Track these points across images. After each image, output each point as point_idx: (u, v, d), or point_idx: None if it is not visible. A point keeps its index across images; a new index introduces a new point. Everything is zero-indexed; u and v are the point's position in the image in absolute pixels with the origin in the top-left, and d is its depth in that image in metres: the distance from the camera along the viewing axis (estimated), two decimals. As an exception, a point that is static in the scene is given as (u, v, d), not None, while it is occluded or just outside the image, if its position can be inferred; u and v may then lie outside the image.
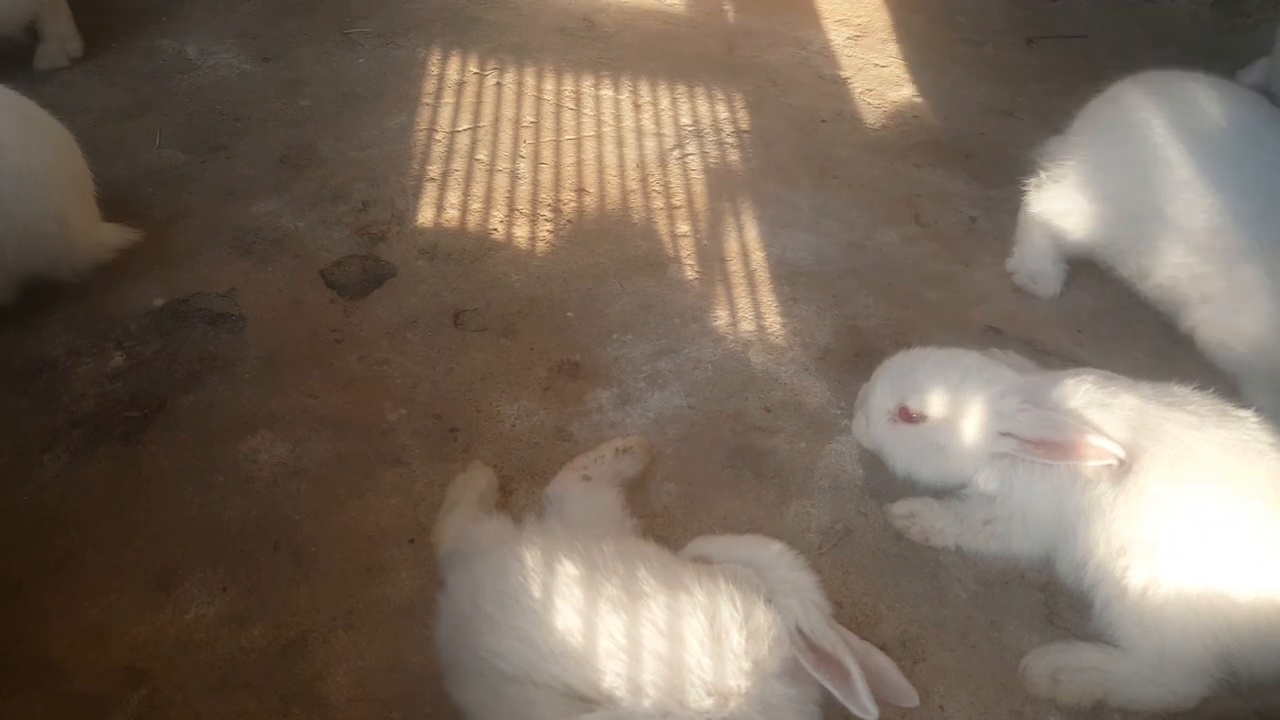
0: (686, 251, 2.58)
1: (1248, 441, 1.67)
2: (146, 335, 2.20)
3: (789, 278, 2.51)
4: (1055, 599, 1.83)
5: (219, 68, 3.12)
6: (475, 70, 3.19)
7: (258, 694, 1.60)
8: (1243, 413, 1.73)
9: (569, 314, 2.36)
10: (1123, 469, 1.67)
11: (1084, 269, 2.63)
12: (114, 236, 2.36)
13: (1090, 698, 1.66)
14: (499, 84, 3.15)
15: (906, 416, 1.87)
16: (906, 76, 3.41)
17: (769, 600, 1.48)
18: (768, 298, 2.46)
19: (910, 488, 1.95)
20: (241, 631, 1.69)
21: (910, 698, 1.53)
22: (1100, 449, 1.67)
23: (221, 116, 2.90)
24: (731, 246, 2.61)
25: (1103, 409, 1.73)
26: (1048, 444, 1.72)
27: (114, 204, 2.53)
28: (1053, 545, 1.80)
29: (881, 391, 1.91)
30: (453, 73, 3.17)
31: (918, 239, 2.68)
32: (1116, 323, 2.46)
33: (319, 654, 1.66)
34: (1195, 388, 1.78)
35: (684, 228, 2.66)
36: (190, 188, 2.63)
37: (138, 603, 1.71)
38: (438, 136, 2.89)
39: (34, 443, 1.96)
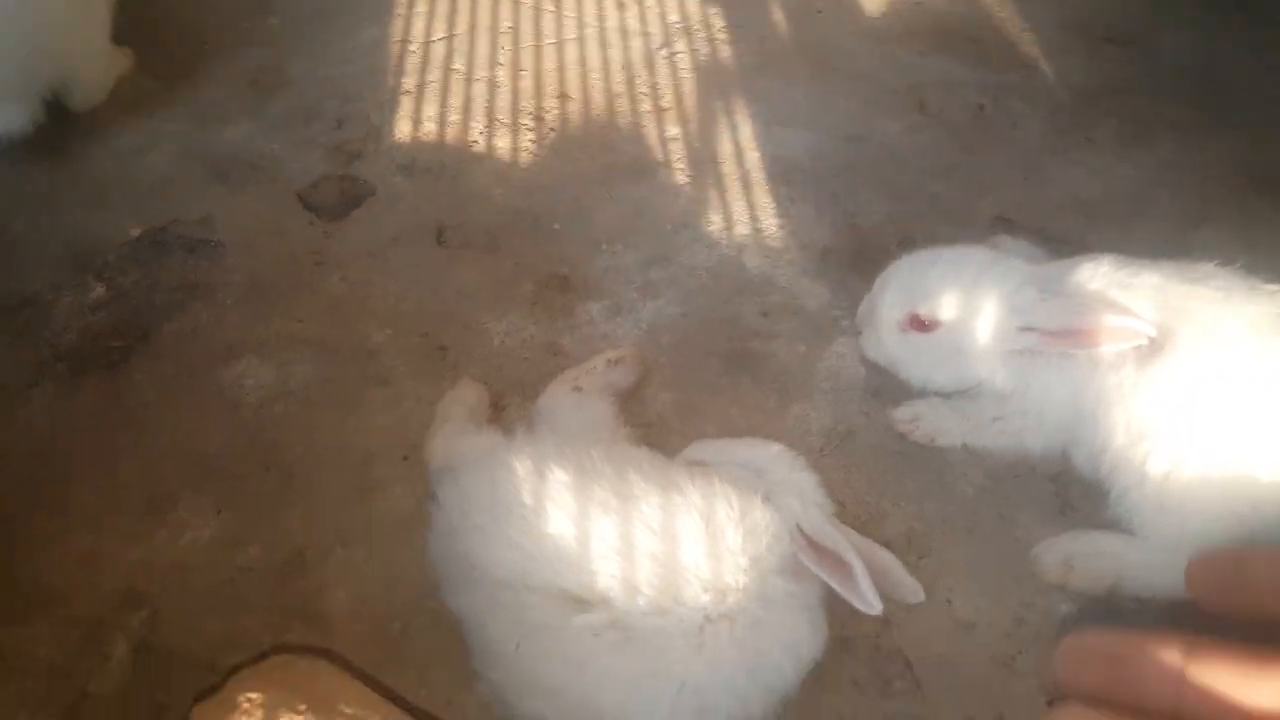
0: (677, 155, 2.47)
1: (1277, 316, 1.59)
2: (125, 265, 2.14)
3: (785, 176, 2.41)
4: (1067, 489, 1.77)
5: (184, -12, 2.98)
6: (450, -24, 3.04)
7: (257, 610, 1.59)
8: (1272, 287, 1.64)
9: (555, 226, 2.28)
10: (1150, 350, 1.59)
11: (1094, 151, 2.51)
12: (123, 60, 2.54)
13: (1103, 584, 1.62)
14: (475, -11, 3.00)
15: (919, 325, 1.77)
16: (907, -40, 3.22)
17: (767, 499, 1.45)
18: (763, 199, 2.36)
19: (911, 389, 1.88)
20: (238, 552, 1.67)
21: (915, 593, 1.48)
22: (1129, 329, 1.58)
23: (188, 39, 2.77)
24: (724, 147, 2.50)
25: (1125, 290, 1.64)
26: (1072, 332, 1.63)
27: (81, 135, 2.46)
28: (1069, 436, 1.74)
29: (889, 302, 1.81)
30: (427, -20, 3.02)
31: (922, 129, 2.55)
32: (1132, 205, 2.35)
33: (317, 571, 1.65)
34: (1216, 264, 1.69)
35: (674, 130, 2.54)
36: (160, 114, 2.53)
37: (132, 529, 1.70)
38: (412, 48, 2.76)
39: (19, 378, 1.93)
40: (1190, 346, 1.58)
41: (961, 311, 1.74)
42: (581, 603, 1.34)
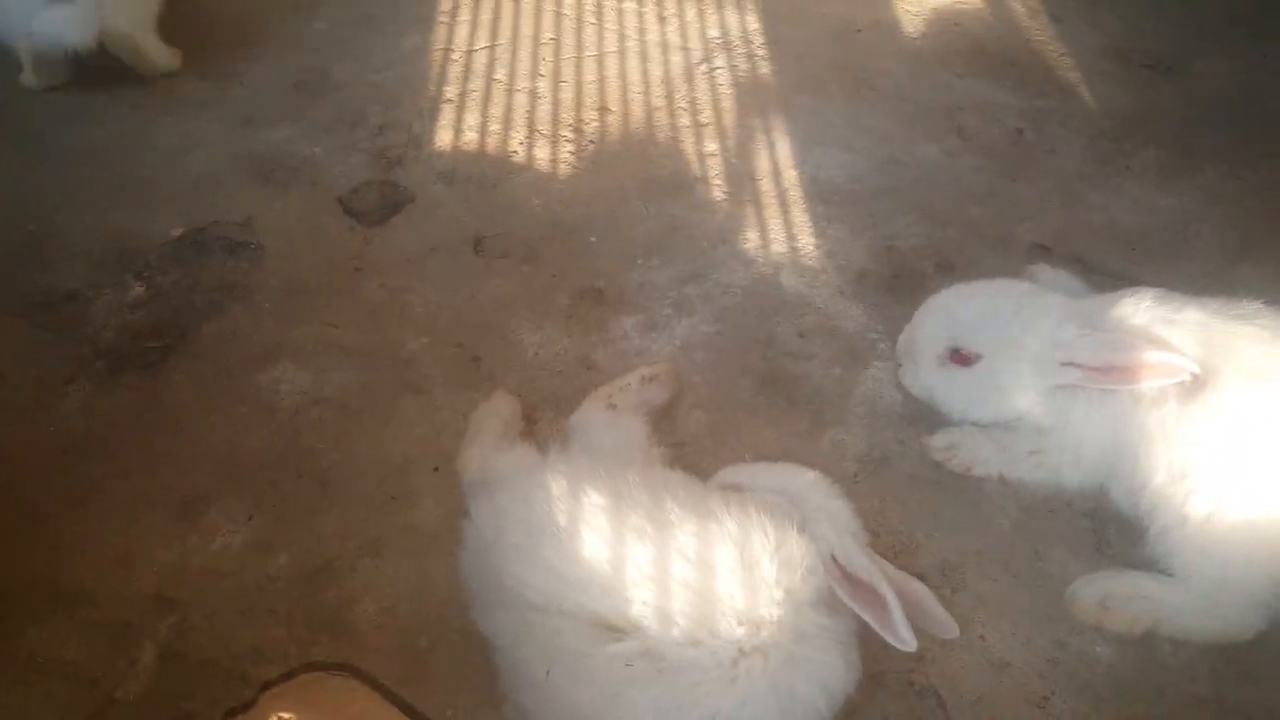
0: (714, 171, 2.47)
1: None
2: (166, 265, 2.16)
3: (822, 196, 2.40)
4: (1103, 526, 1.75)
5: (231, -9, 3.02)
6: (493, -15, 3.05)
7: (285, 621, 1.60)
8: None
9: (592, 238, 2.28)
10: (1192, 388, 1.57)
11: (1134, 180, 2.48)
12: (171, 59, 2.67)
13: (1140, 626, 1.59)
14: (517, -1, 3.02)
15: (959, 359, 1.76)
16: (948, -19, 3.20)
17: (802, 529, 1.42)
18: (800, 218, 2.35)
19: (949, 419, 1.86)
20: (268, 559, 1.68)
21: (949, 628, 1.46)
22: (1171, 366, 1.56)
23: (236, 42, 2.80)
24: (762, 165, 2.49)
25: (1167, 326, 1.62)
26: (1113, 368, 1.61)
27: (129, 135, 2.49)
28: (1107, 472, 1.72)
29: (929, 335, 1.80)
30: (470, -12, 3.03)
31: (960, 153, 2.54)
32: (1174, 237, 2.32)
33: (346, 581, 1.65)
34: (1261, 303, 1.66)
35: (711, 146, 2.54)
36: (206, 115, 2.56)
37: (164, 531, 1.71)
38: (454, 56, 2.78)
39: (58, 374, 1.95)
40: (1234, 385, 1.55)
41: (1001, 346, 1.72)
42: (614, 630, 1.33)
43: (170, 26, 2.67)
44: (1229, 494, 1.54)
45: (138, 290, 2.10)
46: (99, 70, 2.59)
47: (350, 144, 2.48)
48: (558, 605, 1.35)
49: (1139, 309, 1.67)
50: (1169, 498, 1.59)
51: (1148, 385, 1.60)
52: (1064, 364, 1.67)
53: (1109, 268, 2.21)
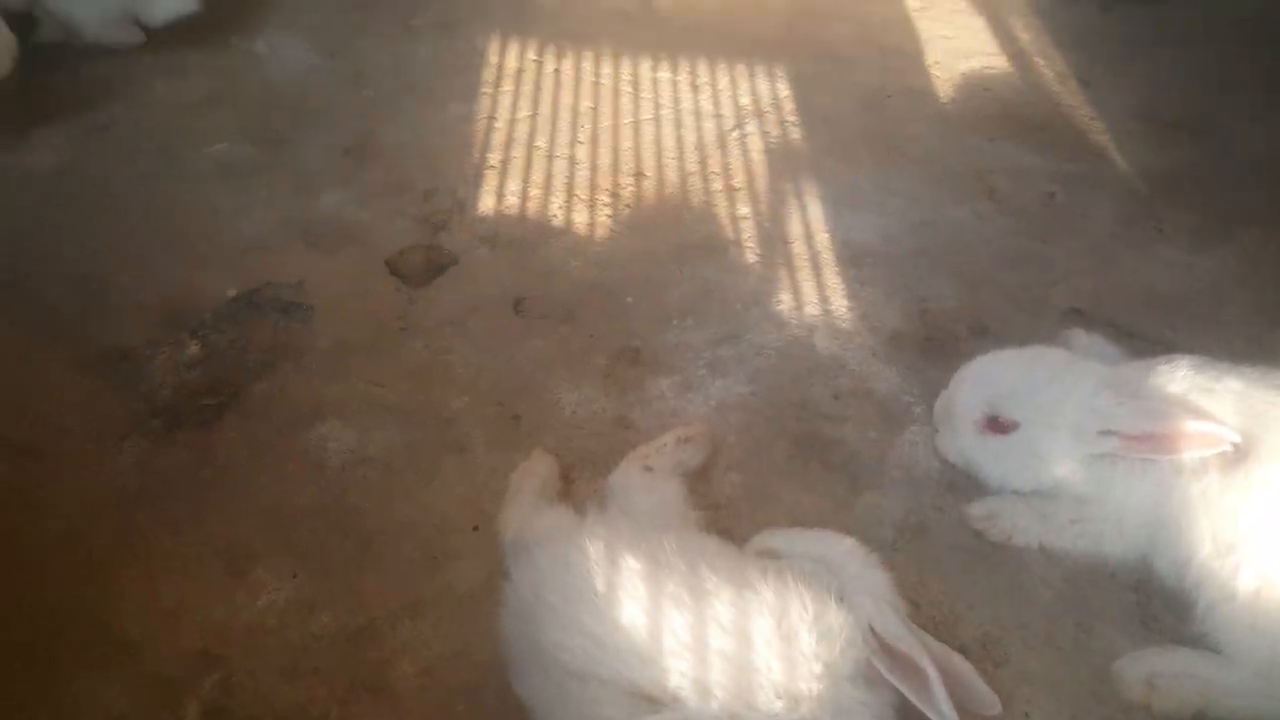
0: (747, 234, 2.52)
1: None
2: (221, 325, 2.25)
3: (855, 259, 2.44)
4: (1149, 599, 1.71)
5: (286, 61, 3.16)
6: (534, 57, 3.18)
7: (327, 680, 1.62)
8: None
9: (628, 300, 2.33)
10: (1233, 458, 1.55)
11: (1168, 243, 2.49)
12: None
13: (1189, 707, 1.54)
14: (557, 70, 3.13)
15: (997, 427, 1.76)
16: (976, 47, 3.27)
17: (841, 599, 1.42)
18: (833, 280, 2.39)
19: (987, 486, 1.85)
20: (312, 618, 1.71)
21: (992, 704, 1.42)
22: (1211, 436, 1.55)
23: (289, 110, 2.94)
24: (794, 228, 2.54)
25: (1206, 394, 1.61)
26: (1152, 437, 1.60)
27: (183, 195, 2.60)
28: (1150, 544, 1.69)
29: (966, 402, 1.80)
30: (512, 60, 3.15)
31: (991, 216, 2.57)
32: (1209, 303, 2.32)
33: (387, 641, 1.68)
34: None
35: (744, 210, 2.60)
36: (260, 180, 2.68)
37: (212, 587, 1.75)
38: (497, 124, 2.88)
39: (115, 429, 2.02)
40: (1277, 455, 1.54)
41: (1039, 414, 1.72)
42: (652, 700, 1.32)
43: (223, 92, 2.81)
44: (1276, 568, 1.51)
45: (194, 349, 2.19)
46: (159, 129, 2.72)
47: (397, 208, 2.58)
48: (595, 672, 1.36)
49: (1177, 377, 1.66)
50: (1215, 572, 1.56)
51: (1188, 455, 1.58)
52: (1102, 432, 1.66)
53: (1144, 332, 2.20)
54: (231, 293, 2.33)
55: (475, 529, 1.83)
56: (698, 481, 1.91)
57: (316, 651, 1.66)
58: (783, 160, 2.76)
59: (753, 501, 1.90)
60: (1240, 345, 2.16)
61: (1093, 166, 2.75)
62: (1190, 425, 1.57)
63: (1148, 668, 1.59)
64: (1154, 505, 1.65)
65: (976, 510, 1.83)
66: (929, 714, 1.32)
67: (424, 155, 2.76)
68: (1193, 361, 1.69)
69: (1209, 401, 1.61)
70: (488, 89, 3.03)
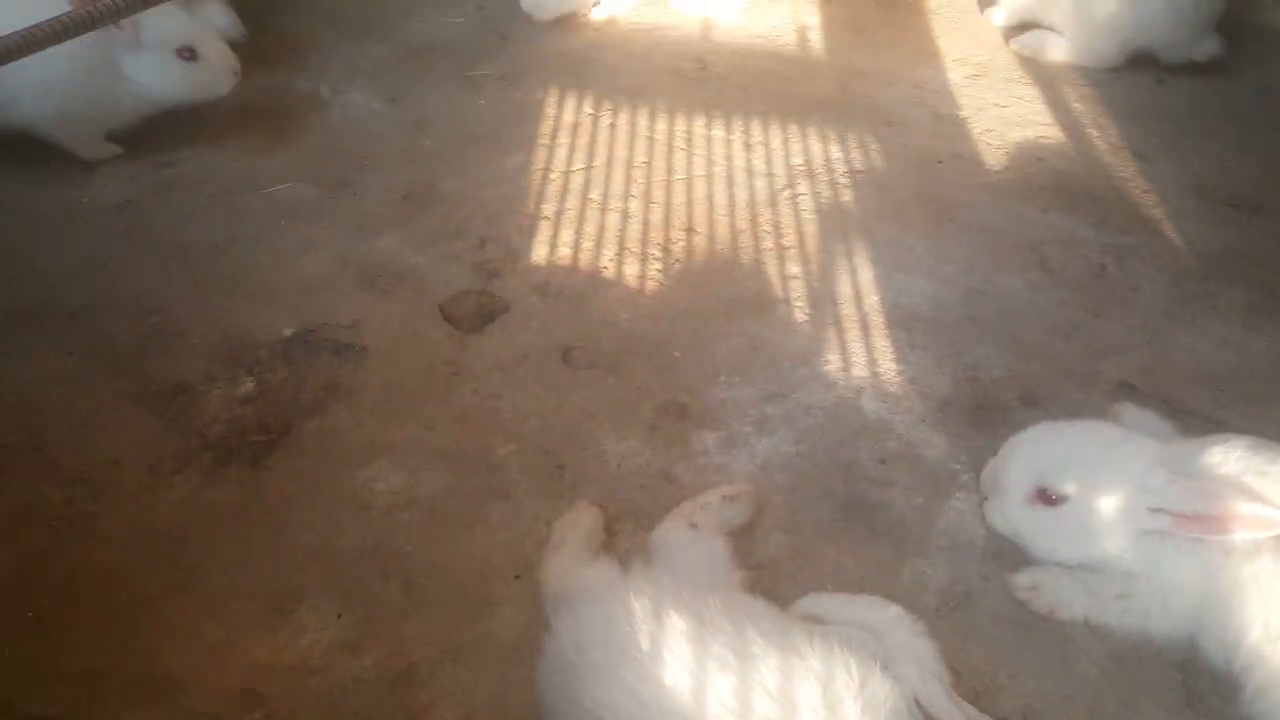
0: (796, 293, 2.54)
1: None
2: (276, 363, 2.30)
3: (904, 323, 2.44)
4: (1195, 679, 1.69)
5: (348, 107, 3.27)
6: (590, 111, 3.25)
7: (365, 724, 1.62)
8: None
9: (676, 354, 2.35)
10: None
11: (1221, 320, 2.46)
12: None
13: None
14: (613, 125, 3.20)
15: (1046, 499, 1.75)
16: (1030, 116, 3.30)
17: (886, 667, 1.40)
18: (882, 343, 2.39)
19: (1033, 556, 1.84)
20: (354, 660, 1.72)
21: None
22: (1265, 519, 1.53)
23: (350, 154, 3.03)
24: (843, 289, 2.55)
25: (1261, 476, 1.60)
26: (1205, 517, 1.59)
27: (244, 234, 2.69)
28: (1197, 624, 1.67)
29: (1016, 473, 1.80)
30: (568, 114, 3.23)
31: (1043, 286, 2.56)
32: (1264, 381, 2.29)
33: (426, 687, 1.68)
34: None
35: (794, 269, 2.62)
36: (320, 222, 2.75)
37: (257, 625, 1.77)
38: (553, 176, 2.95)
39: (167, 463, 2.06)
40: None
41: (1089, 488, 1.71)
42: (696, 762, 1.31)
43: (292, 136, 2.89)
44: None
45: (248, 386, 2.23)
46: (223, 169, 2.82)
47: (452, 254, 2.63)
48: (637, 732, 1.35)
49: (1231, 457, 1.65)
50: (1265, 657, 1.55)
51: (1239, 537, 1.57)
52: (1153, 510, 1.65)
53: (1196, 409, 2.18)
54: (288, 331, 2.38)
55: (517, 577, 1.83)
56: (741, 540, 1.90)
57: (357, 694, 1.67)
58: (833, 221, 2.79)
59: (796, 562, 1.89)
60: (1297, 427, 2.13)
61: (1146, 240, 2.74)
62: (1243, 507, 1.55)
63: None
64: (1203, 585, 1.64)
65: (1022, 580, 1.82)
66: None
67: (480, 203, 2.83)
68: (1248, 442, 1.67)
69: (1263, 484, 1.59)
70: (544, 140, 3.10)
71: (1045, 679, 1.69)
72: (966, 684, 1.67)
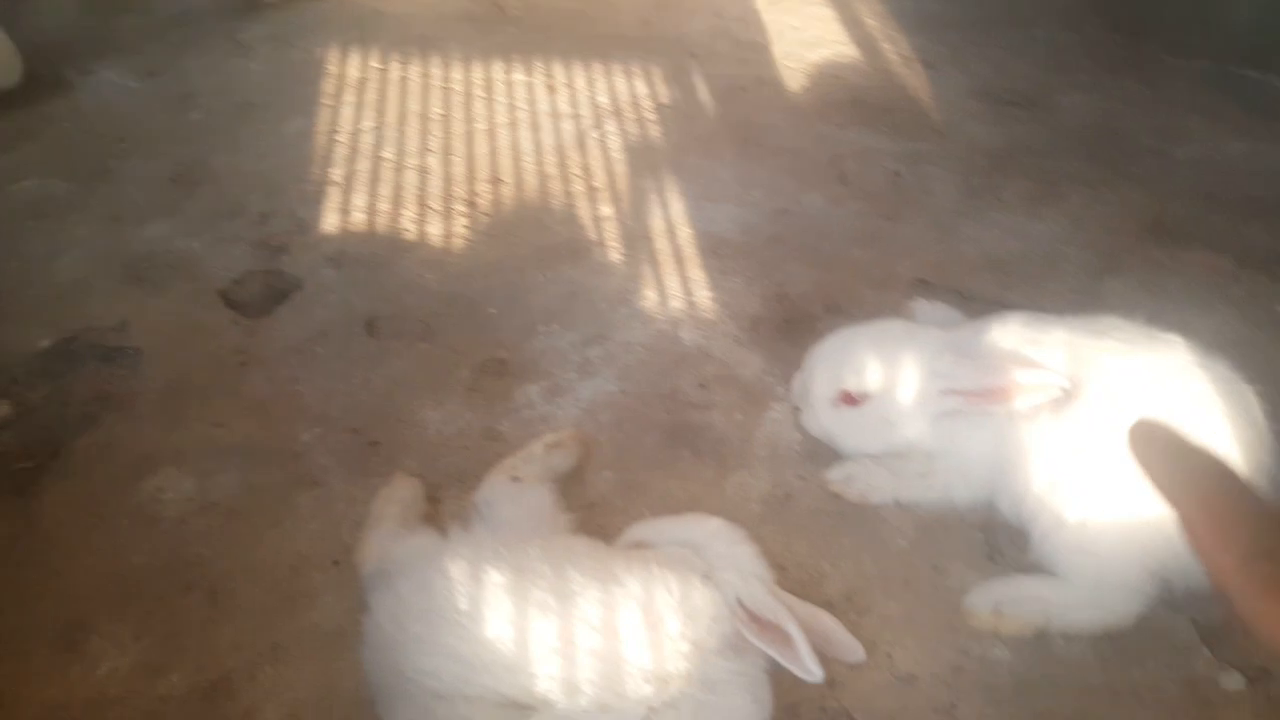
0: (610, 234, 2.50)
1: (1177, 363, 1.67)
2: (34, 380, 2.04)
3: (716, 251, 2.45)
4: (995, 536, 1.81)
5: (99, 87, 2.94)
6: (377, 65, 3.06)
7: (181, 745, 1.49)
8: (1170, 336, 1.72)
9: (491, 310, 2.26)
10: (1062, 401, 1.65)
11: (1006, 211, 2.60)
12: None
13: (1032, 626, 1.66)
14: (404, 77, 3.03)
15: (849, 400, 1.83)
16: (826, 36, 3.37)
17: (707, 578, 1.44)
18: (696, 273, 2.39)
19: (846, 453, 1.91)
20: (159, 680, 1.57)
21: (857, 652, 1.52)
22: (1042, 383, 1.64)
23: (104, 139, 2.73)
24: (656, 224, 2.53)
25: (1035, 346, 1.71)
26: (990, 391, 1.69)
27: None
28: (992, 488, 1.79)
29: (819, 381, 1.87)
30: (354, 70, 3.03)
31: (843, 199, 2.63)
32: (1043, 263, 2.44)
33: (246, 692, 1.55)
34: (1119, 317, 1.76)
35: (606, 210, 2.57)
36: (73, 218, 2.47)
37: (44, 665, 1.58)
38: (339, 138, 2.76)
39: (-82, 505, 1.81)
40: (1098, 396, 1.64)
41: (887, 383, 1.79)
42: (521, 708, 1.29)
43: (32, 127, 2.58)
44: (1100, 496, 1.62)
45: (4, 409, 1.98)
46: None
47: (231, 235, 2.42)
48: (461, 692, 1.31)
49: (1008, 333, 1.75)
50: (1047, 505, 1.67)
51: (1023, 404, 1.67)
52: (944, 392, 1.74)
53: (985, 295, 2.30)
54: (44, 343, 2.12)
55: (335, 563, 1.72)
56: (572, 483, 1.87)
57: (167, 714, 1.53)
58: (642, 157, 2.75)
59: (626, 496, 1.87)
60: (1072, 297, 2.30)
61: (936, 145, 2.86)
62: (1022, 376, 1.65)
63: (994, 597, 1.69)
64: (994, 451, 1.74)
65: (835, 475, 1.89)
66: (797, 671, 1.37)
67: (259, 176, 2.61)
68: (1022, 317, 1.78)
69: (1038, 352, 1.69)
70: (328, 101, 2.90)
71: (863, 560, 1.78)
72: (793, 577, 1.73)
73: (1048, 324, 1.73)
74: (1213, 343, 1.71)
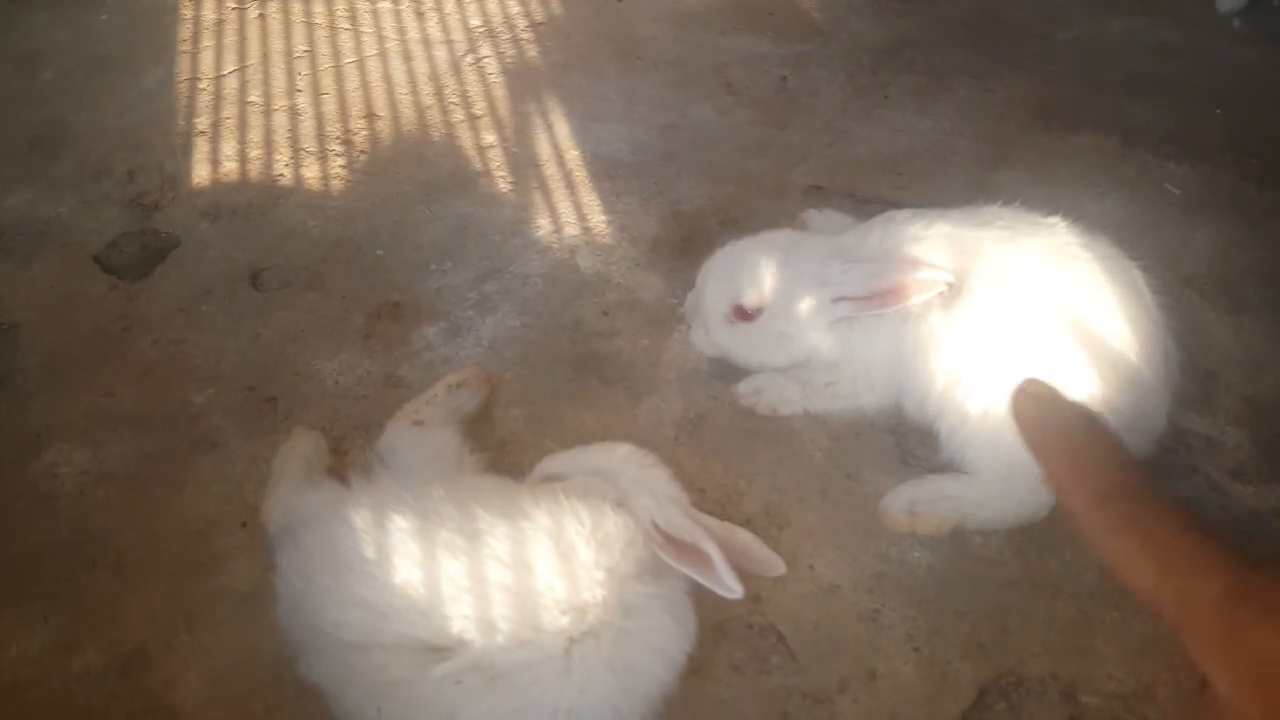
0: (496, 163, 2.44)
1: (1060, 245, 1.69)
2: (-101, 368, 1.95)
3: (607, 172, 2.41)
4: (906, 439, 1.85)
5: (-69, 49, 2.71)
6: (234, 5, 2.88)
7: (102, 719, 1.49)
8: (1051, 219, 1.74)
9: (379, 252, 2.21)
10: (951, 295, 1.66)
11: (894, 109, 2.62)
12: None
13: (947, 524, 1.69)
14: (262, 15, 2.86)
15: (742, 315, 1.82)
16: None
17: (619, 504, 1.45)
18: (588, 197, 2.36)
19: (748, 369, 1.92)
20: (73, 658, 1.55)
21: (777, 567, 1.54)
22: (928, 280, 1.65)
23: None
24: (543, 149, 2.47)
25: (919, 243, 1.72)
26: (879, 293, 1.70)
27: None
28: (898, 390, 1.81)
29: (711, 297, 1.85)
30: (209, 12, 2.85)
31: (732, 109, 2.61)
32: (934, 158, 2.47)
33: (163, 662, 1.55)
34: (1000, 204, 1.77)
35: (490, 138, 2.50)
36: (-76, 194, 2.31)
37: (-53, 659, 1.55)
38: (202, 85, 2.61)
39: None
40: (986, 285, 1.66)
41: (778, 295, 1.79)
42: (438, 651, 1.30)
43: None
44: (998, 386, 1.59)
45: None
46: None
47: (99, 197, 2.30)
48: (376, 640, 1.32)
49: (891, 233, 1.76)
50: (949, 401, 1.69)
51: (915, 301, 1.68)
52: (835, 299, 1.75)
53: (878, 196, 2.33)
54: (-92, 329, 2.01)
55: (243, 525, 1.71)
56: (481, 423, 1.87)
57: (84, 692, 1.52)
58: (522, 80, 2.67)
59: (537, 431, 1.88)
60: (964, 191, 2.33)
61: (821, 46, 2.84)
62: (908, 275, 1.67)
63: (908, 498, 1.72)
64: (893, 353, 1.76)
65: (744, 389, 1.90)
66: (717, 589, 1.38)
67: (122, 133, 2.46)
68: (904, 215, 1.78)
69: (923, 249, 1.70)
70: (186, 47, 2.73)
71: (779, 474, 1.81)
72: (711, 498, 1.76)
73: (931, 219, 1.75)
74: (1106, 224, 1.75)
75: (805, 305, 1.78)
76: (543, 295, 2.13)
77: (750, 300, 1.81)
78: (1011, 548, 1.69)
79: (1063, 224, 1.73)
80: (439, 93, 2.63)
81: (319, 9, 2.88)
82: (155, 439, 1.84)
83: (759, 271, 1.80)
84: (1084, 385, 1.61)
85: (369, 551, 1.36)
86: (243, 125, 2.50)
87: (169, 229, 2.23)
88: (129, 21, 2.82)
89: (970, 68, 2.75)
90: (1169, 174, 2.39)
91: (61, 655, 1.56)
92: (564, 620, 1.31)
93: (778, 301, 1.80)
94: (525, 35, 2.83)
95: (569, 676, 1.30)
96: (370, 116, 2.55)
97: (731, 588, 1.38)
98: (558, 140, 2.50)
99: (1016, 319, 1.64)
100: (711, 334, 1.89)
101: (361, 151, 2.45)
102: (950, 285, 1.65)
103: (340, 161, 2.42)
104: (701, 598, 1.45)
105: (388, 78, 2.66)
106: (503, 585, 1.32)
